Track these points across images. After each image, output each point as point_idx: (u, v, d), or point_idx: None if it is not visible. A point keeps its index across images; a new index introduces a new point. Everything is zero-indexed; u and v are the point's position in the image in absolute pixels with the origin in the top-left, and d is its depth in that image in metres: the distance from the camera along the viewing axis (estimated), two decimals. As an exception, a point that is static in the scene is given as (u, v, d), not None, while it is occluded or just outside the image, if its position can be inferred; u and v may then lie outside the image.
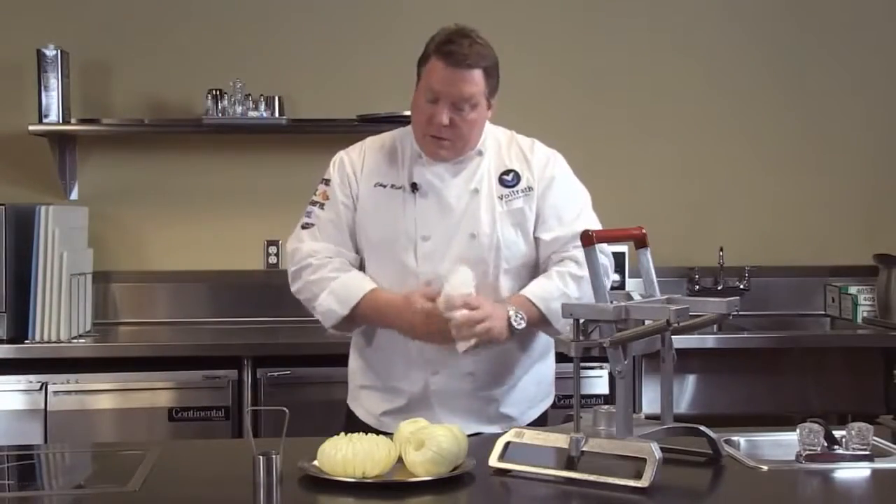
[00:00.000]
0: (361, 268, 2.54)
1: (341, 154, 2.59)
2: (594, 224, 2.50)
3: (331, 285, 2.45)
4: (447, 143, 2.44)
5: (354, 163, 2.54)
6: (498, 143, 2.55)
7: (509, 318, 2.34)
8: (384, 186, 2.49)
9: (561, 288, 2.40)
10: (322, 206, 2.53)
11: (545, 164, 2.53)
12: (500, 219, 2.46)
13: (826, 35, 4.34)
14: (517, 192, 2.49)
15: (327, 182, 2.55)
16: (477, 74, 2.39)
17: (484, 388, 2.48)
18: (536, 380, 2.57)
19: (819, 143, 4.35)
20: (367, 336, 2.54)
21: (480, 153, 2.51)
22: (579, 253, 2.38)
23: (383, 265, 2.48)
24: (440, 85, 2.38)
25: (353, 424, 2.52)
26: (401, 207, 2.47)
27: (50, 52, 3.88)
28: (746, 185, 4.33)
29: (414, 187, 2.47)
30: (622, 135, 4.29)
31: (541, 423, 2.55)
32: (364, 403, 2.57)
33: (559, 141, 4.37)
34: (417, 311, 2.34)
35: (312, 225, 2.53)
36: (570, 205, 2.53)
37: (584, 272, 2.31)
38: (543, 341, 2.55)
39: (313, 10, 4.19)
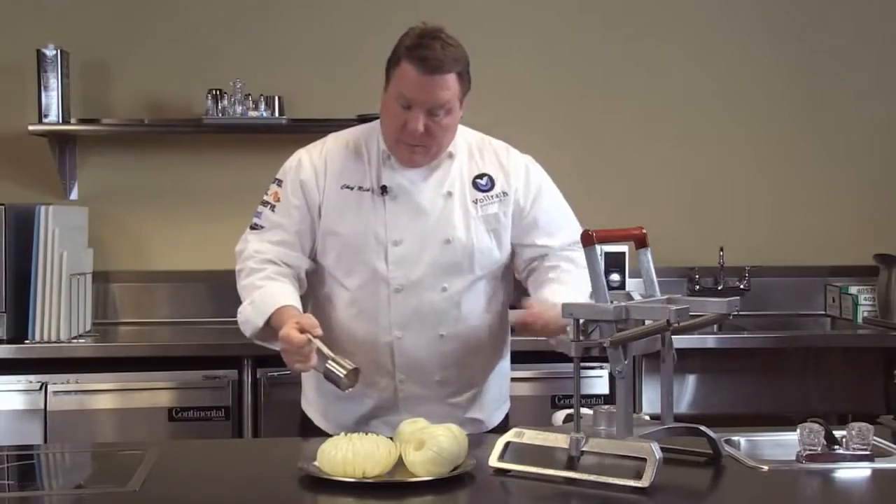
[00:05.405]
0: (314, 274, 2.46)
1: (301, 154, 2.47)
2: (579, 227, 2.47)
3: (253, 295, 2.35)
4: (421, 149, 2.35)
5: (317, 164, 2.43)
6: (469, 145, 2.47)
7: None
8: (351, 189, 2.40)
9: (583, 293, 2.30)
10: (273, 207, 2.44)
11: (526, 172, 2.48)
12: (475, 224, 2.40)
13: (826, 36, 4.34)
14: (491, 196, 2.43)
15: (280, 183, 2.46)
16: (451, 79, 2.29)
17: (453, 396, 2.44)
18: (499, 382, 2.54)
19: (819, 144, 4.35)
20: (330, 344, 2.39)
21: (451, 155, 2.43)
22: (574, 255, 2.42)
23: (352, 271, 2.39)
24: (413, 92, 2.28)
25: (309, 430, 2.50)
26: (370, 211, 2.38)
27: (50, 52, 3.87)
28: (746, 185, 4.33)
29: (384, 190, 2.38)
30: (622, 135, 4.29)
31: (504, 426, 2.50)
32: (324, 412, 2.51)
33: (560, 142, 4.36)
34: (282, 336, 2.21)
35: (261, 227, 2.44)
36: (563, 211, 2.52)
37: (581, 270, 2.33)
38: (506, 342, 2.53)
39: (313, 9, 4.19)
